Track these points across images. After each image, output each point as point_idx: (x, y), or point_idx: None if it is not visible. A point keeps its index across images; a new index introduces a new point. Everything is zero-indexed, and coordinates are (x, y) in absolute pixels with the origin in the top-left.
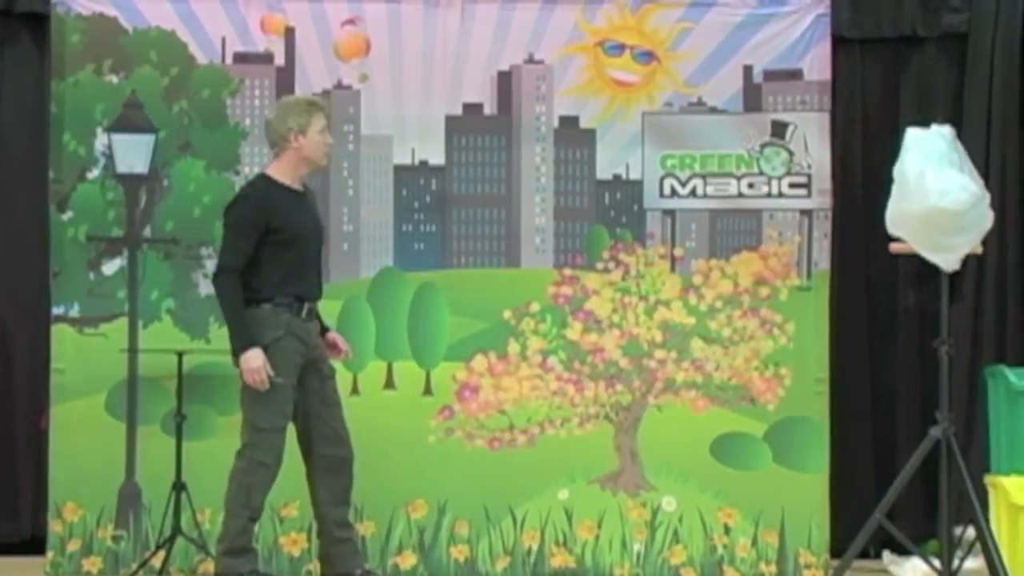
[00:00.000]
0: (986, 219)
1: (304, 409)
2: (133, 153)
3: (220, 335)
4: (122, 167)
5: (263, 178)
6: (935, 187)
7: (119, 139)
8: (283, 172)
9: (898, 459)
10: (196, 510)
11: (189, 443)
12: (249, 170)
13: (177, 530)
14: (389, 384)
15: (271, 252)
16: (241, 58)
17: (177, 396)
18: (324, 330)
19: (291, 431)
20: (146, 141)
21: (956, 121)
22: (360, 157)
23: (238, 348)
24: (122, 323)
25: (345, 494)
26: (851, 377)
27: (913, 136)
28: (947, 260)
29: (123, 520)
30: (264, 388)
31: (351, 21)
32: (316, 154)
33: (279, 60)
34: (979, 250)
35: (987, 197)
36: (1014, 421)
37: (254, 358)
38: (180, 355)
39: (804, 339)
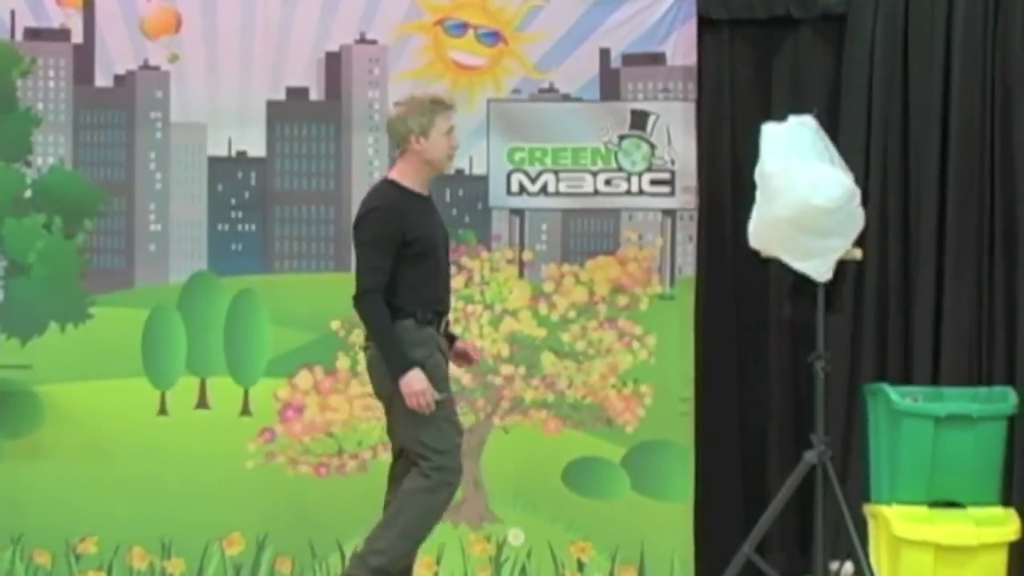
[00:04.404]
0: (858, 219)
1: None
2: None
3: (8, 348)
4: None
5: (390, 184)
6: (805, 182)
7: None
8: (408, 176)
9: (769, 487)
10: None
11: None
12: (42, 160)
13: None
14: (202, 403)
15: (408, 264)
16: (33, 34)
17: None
18: (451, 338)
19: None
20: None
21: (833, 111)
22: (169, 147)
23: (396, 371)
24: None
25: None
26: (718, 396)
27: (771, 131)
28: (818, 267)
29: None
30: (429, 411)
31: None
32: (439, 157)
33: (77, 37)
34: (857, 255)
35: (857, 194)
36: (896, 445)
37: (416, 380)
38: None
39: (666, 353)
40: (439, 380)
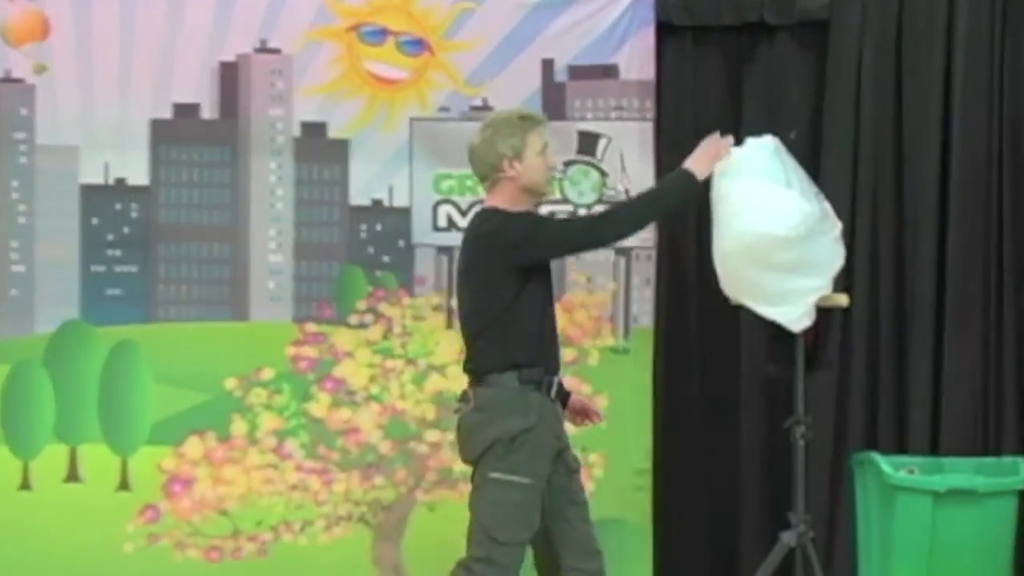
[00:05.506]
0: (833, 255)
1: (549, 511)
2: None
3: None
4: None
5: (494, 211)
6: (750, 207)
7: None
8: (506, 207)
9: (741, 573)
10: None
11: None
12: None
13: None
14: (73, 476)
15: (517, 307)
16: None
17: None
18: (564, 395)
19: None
20: None
21: (815, 131)
22: (35, 173)
23: (694, 177)
24: None
25: None
26: (680, 467)
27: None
28: (790, 315)
29: None
30: (727, 150)
31: None
32: (538, 180)
33: None
34: (842, 301)
35: (837, 227)
36: (889, 524)
37: (703, 153)
38: None
39: (620, 417)
40: (532, 460)
